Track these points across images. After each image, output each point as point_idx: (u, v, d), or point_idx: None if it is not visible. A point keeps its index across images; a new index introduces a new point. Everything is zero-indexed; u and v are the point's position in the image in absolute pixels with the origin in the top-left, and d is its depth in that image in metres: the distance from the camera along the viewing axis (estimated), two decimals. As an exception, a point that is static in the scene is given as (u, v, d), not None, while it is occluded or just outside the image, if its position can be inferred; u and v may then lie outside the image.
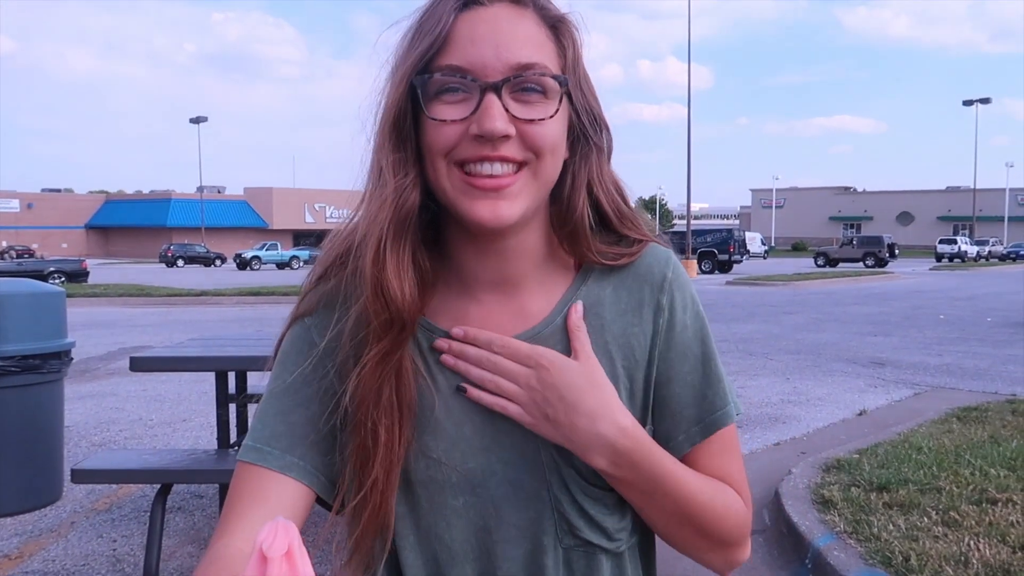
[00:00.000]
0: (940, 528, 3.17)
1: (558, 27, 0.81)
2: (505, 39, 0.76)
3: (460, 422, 0.83)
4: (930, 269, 36.55)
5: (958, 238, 52.51)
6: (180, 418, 5.96)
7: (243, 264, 43.70)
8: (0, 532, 3.57)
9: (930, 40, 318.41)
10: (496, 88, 0.75)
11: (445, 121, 0.76)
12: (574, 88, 0.82)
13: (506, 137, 0.76)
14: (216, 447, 3.55)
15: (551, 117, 0.78)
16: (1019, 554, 2.88)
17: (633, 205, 0.90)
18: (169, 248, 49.74)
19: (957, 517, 3.27)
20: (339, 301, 0.84)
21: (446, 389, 0.83)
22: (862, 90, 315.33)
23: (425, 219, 0.82)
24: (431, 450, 0.83)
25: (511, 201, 0.77)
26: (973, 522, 3.21)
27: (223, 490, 3.32)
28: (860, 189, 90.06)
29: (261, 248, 46.26)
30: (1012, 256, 52.76)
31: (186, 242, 55.41)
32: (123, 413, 6.15)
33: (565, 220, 0.83)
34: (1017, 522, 3.18)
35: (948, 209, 77.79)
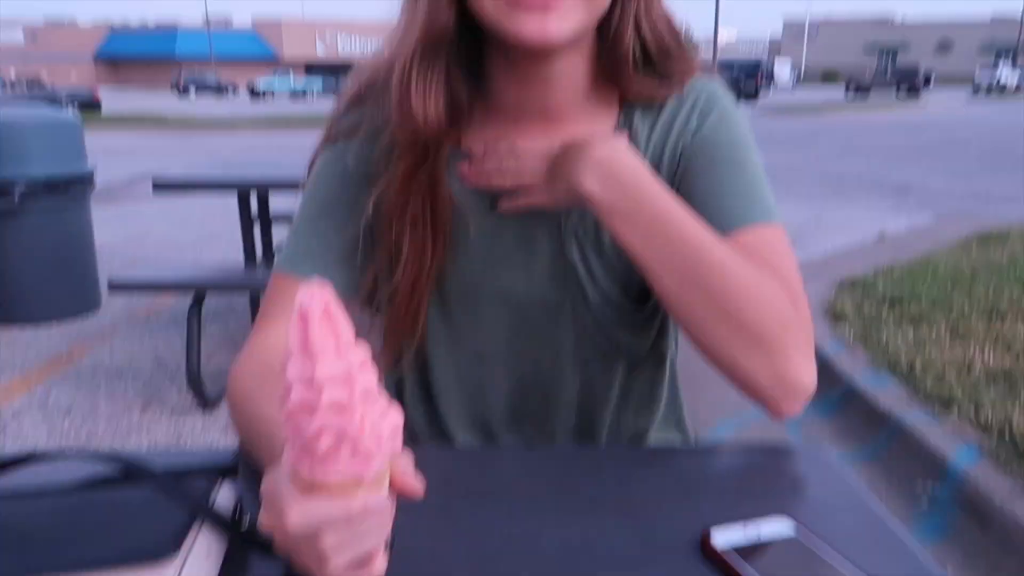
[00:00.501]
0: (947, 338, 3.27)
1: None
2: None
3: (493, 242, 0.86)
4: (967, 100, 35.08)
5: (1000, 63, 49.62)
6: (206, 237, 6.10)
7: (256, 94, 42.87)
8: (50, 339, 3.78)
9: None
10: None
11: None
12: None
13: None
14: (244, 261, 3.65)
15: None
16: (1021, 362, 2.98)
17: (683, 39, 0.85)
18: (180, 77, 48.64)
19: (965, 329, 3.36)
20: (373, 125, 0.83)
21: (479, 210, 0.85)
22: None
23: (464, 48, 0.79)
24: (465, 269, 0.87)
25: (561, 16, 0.72)
26: (980, 333, 3.30)
27: (253, 301, 3.46)
28: (899, 19, 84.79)
29: (274, 76, 45.16)
30: (1054, 87, 50.21)
31: (197, 72, 54.09)
32: (151, 235, 6.30)
33: (610, 53, 0.80)
34: (1022, 334, 3.27)
35: (992, 38, 73.47)
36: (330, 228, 0.83)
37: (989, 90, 45.78)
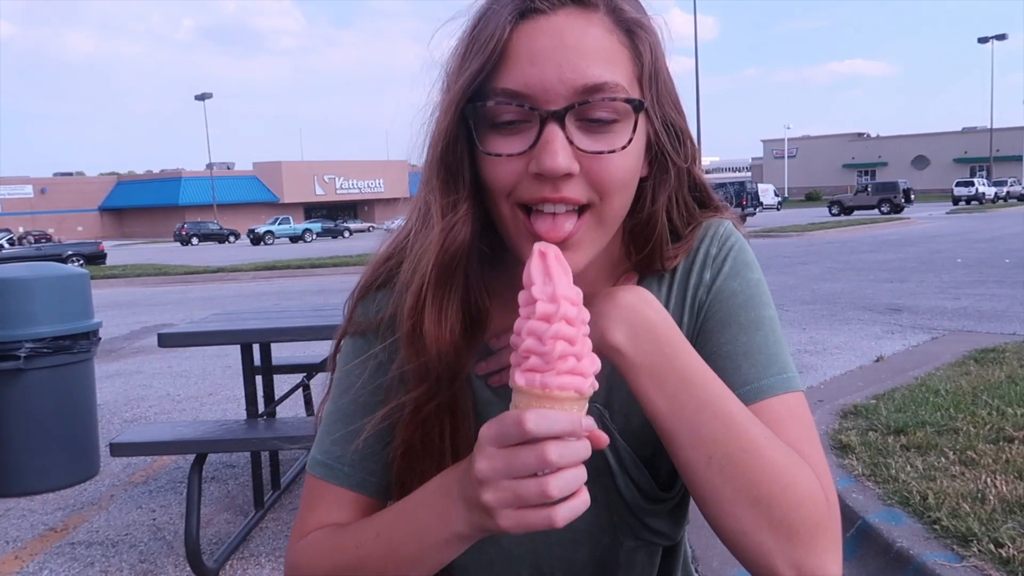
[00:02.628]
0: (957, 467, 3.22)
1: (634, 32, 0.70)
2: (570, 56, 0.66)
3: None
4: (947, 213, 36.10)
5: (975, 180, 51.63)
6: (206, 392, 6.08)
7: (257, 239, 44.00)
8: (45, 507, 3.70)
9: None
10: (559, 117, 0.66)
11: (501, 156, 0.68)
12: (652, 105, 0.72)
13: (568, 175, 0.67)
14: (245, 417, 3.64)
15: (623, 148, 0.68)
16: (1036, 489, 2.93)
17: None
18: (183, 227, 50.11)
19: (974, 456, 3.31)
20: (394, 311, 0.80)
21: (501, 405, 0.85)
22: (873, 32, 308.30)
23: (486, 243, 0.76)
24: None
25: (573, 252, 0.69)
26: (990, 460, 3.25)
27: (255, 458, 3.43)
28: (874, 135, 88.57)
29: (274, 223, 46.52)
30: (1031, 196, 52.03)
31: (199, 220, 55.75)
32: (151, 390, 6.29)
33: (643, 238, 0.79)
34: (1033, 458, 3.22)
35: (964, 151, 76.48)
36: (365, 427, 0.80)
37: (969, 201, 47.24)
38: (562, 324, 0.58)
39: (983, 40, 58.24)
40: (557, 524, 0.58)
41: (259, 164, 71.64)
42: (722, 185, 34.59)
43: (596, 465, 0.80)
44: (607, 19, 0.69)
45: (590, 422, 0.60)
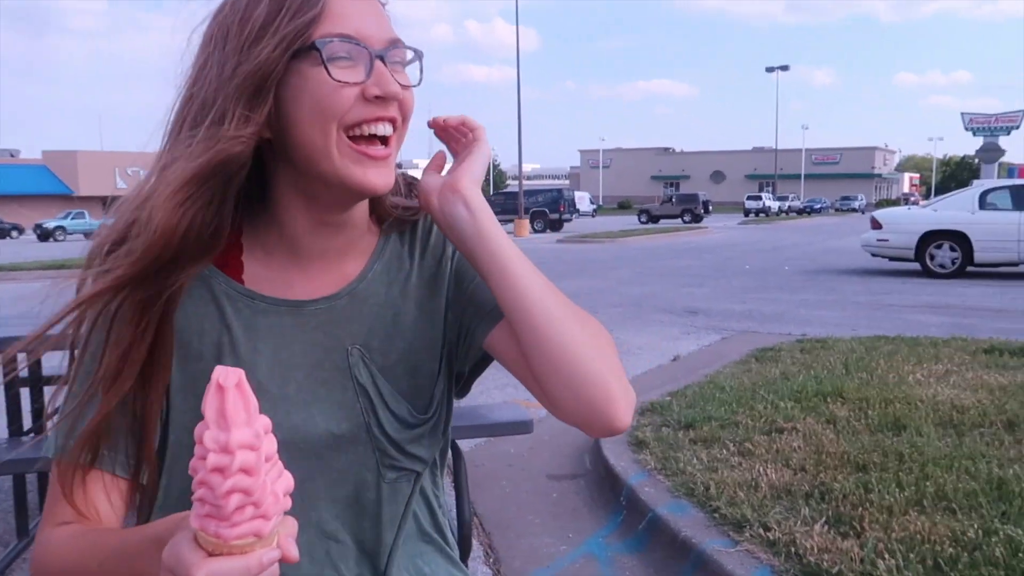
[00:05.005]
0: (736, 458, 3.50)
1: (385, 5, 0.90)
2: (377, 14, 0.85)
3: (283, 382, 0.88)
4: (739, 224, 39.63)
5: (763, 195, 57.27)
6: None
7: (45, 235, 39.70)
8: None
9: (737, 10, 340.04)
10: (381, 57, 0.82)
11: (347, 84, 0.80)
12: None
13: (394, 100, 0.83)
14: (7, 436, 3.24)
15: (417, 85, 0.88)
16: (799, 475, 3.24)
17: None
18: (-49, 219, 44.23)
19: (751, 447, 3.62)
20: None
21: (268, 352, 0.88)
22: (679, 55, 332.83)
23: (244, 186, 0.84)
24: None
25: (390, 169, 0.85)
26: (763, 450, 3.57)
27: (17, 481, 3.05)
28: (678, 150, 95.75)
29: (66, 217, 42.19)
30: (808, 210, 58.62)
31: (-26, 212, 49.49)
32: None
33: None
34: (799, 447, 3.58)
35: (754, 168, 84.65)
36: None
37: (757, 213, 52.26)
38: (239, 477, 0.54)
39: (770, 69, 64.36)
40: None
41: (50, 153, 64.66)
42: (540, 192, 35.75)
43: (357, 407, 0.89)
44: None
45: (272, 556, 0.59)
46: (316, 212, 0.87)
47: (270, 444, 0.57)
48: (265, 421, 0.56)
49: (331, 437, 0.88)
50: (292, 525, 0.61)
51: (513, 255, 0.85)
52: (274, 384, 0.87)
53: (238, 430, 0.54)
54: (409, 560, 0.96)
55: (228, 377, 0.55)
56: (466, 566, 1.05)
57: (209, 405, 0.55)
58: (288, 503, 0.59)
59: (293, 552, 0.60)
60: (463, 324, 0.95)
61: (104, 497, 0.83)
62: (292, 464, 0.85)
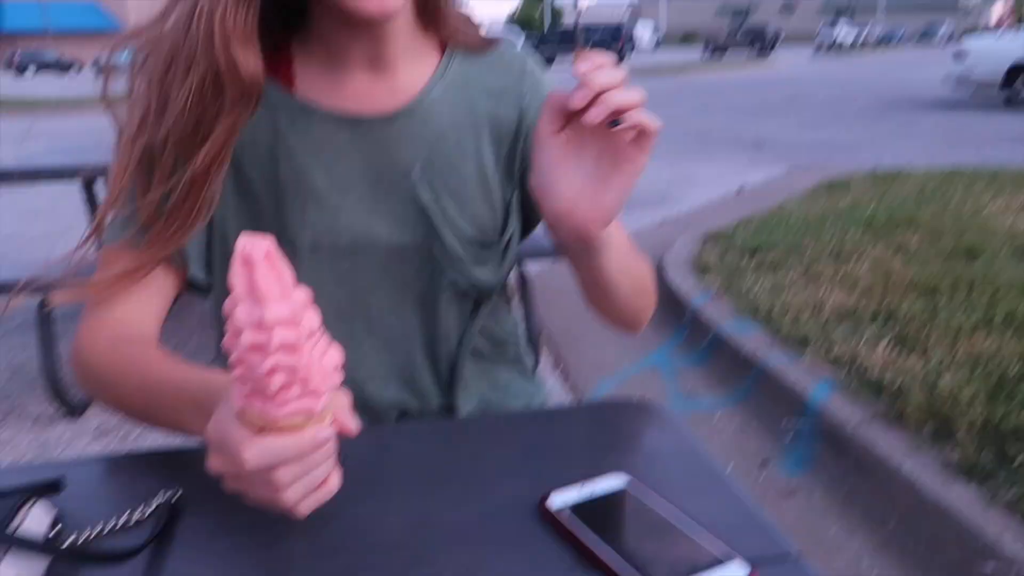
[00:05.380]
0: (801, 282, 3.49)
1: None
2: None
3: (344, 190, 0.85)
4: (809, 59, 37.23)
5: (840, 21, 53.09)
6: (58, 232, 5.66)
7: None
8: None
9: None
10: None
11: None
12: None
13: None
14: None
15: None
16: (865, 298, 3.23)
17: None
18: (15, 54, 44.60)
19: (816, 272, 3.59)
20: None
21: (324, 164, 0.85)
22: None
23: None
24: (315, 220, 0.85)
25: None
26: (829, 275, 3.54)
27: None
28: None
29: (124, 53, 42.11)
30: (885, 41, 54.41)
31: (34, 48, 49.74)
32: (-9, 231, 5.79)
33: (428, 4, 0.86)
34: (866, 273, 3.54)
35: (831, -3, 78.16)
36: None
37: (829, 48, 48.86)
38: (280, 355, 0.49)
39: None
40: (299, 515, 0.57)
41: (98, -12, 63.64)
42: (598, 28, 34.00)
43: (420, 224, 0.87)
44: None
45: (326, 434, 0.54)
46: (347, 22, 0.80)
47: (311, 319, 0.51)
48: (303, 294, 0.51)
49: (394, 249, 0.87)
50: (345, 399, 0.59)
51: (613, 272, 0.82)
52: (334, 195, 0.85)
53: (274, 305, 0.48)
54: (481, 372, 0.98)
55: (255, 248, 0.48)
56: (534, 375, 1.07)
57: (238, 279, 0.49)
58: (339, 378, 0.54)
59: (351, 424, 0.57)
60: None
61: (151, 289, 0.83)
62: (356, 273, 0.87)
